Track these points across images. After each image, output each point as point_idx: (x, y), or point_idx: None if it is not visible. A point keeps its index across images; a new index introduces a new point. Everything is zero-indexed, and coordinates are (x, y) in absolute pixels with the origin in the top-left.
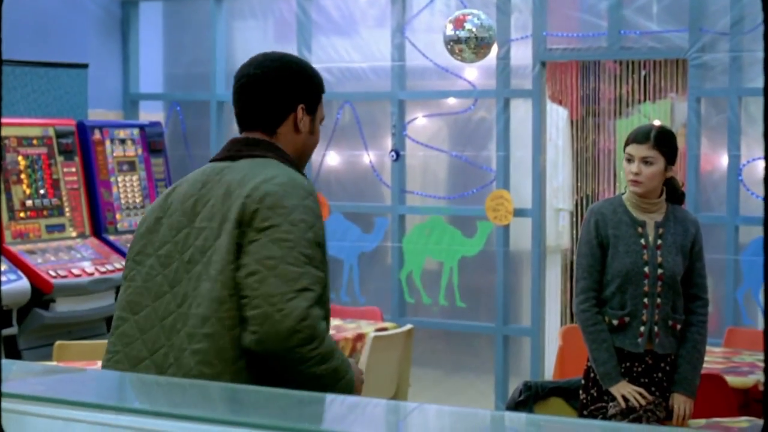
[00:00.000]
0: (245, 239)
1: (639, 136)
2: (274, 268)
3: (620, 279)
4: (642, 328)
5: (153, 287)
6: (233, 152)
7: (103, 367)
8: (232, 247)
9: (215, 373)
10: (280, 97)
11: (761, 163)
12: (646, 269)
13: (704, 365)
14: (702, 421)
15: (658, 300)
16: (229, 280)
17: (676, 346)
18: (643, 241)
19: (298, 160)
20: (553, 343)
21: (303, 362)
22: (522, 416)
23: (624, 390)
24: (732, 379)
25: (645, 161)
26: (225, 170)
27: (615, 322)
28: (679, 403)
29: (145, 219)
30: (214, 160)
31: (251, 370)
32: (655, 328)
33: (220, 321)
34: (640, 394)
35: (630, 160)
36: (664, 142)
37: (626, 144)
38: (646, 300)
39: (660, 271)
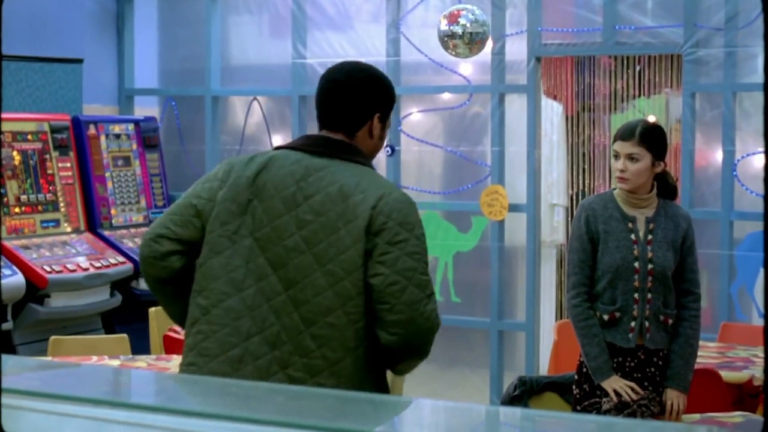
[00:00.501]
0: (376, 249)
1: (624, 133)
2: (411, 278)
3: (610, 274)
4: (633, 323)
5: (255, 269)
6: (324, 149)
7: (208, 337)
8: (361, 252)
9: (337, 358)
10: (363, 104)
11: (756, 159)
12: (637, 264)
13: (698, 360)
14: (696, 416)
15: (649, 295)
16: (358, 281)
17: (668, 341)
18: (633, 236)
19: (370, 158)
20: (547, 338)
21: (426, 353)
22: (517, 411)
23: (615, 385)
24: (726, 374)
25: (630, 158)
26: (329, 168)
27: (606, 317)
28: (672, 398)
29: (231, 196)
30: (300, 149)
31: (367, 357)
32: (646, 323)
33: (346, 315)
34: (632, 388)
35: (616, 156)
36: (649, 138)
37: (613, 141)
38: (636, 295)
39: (650, 266)
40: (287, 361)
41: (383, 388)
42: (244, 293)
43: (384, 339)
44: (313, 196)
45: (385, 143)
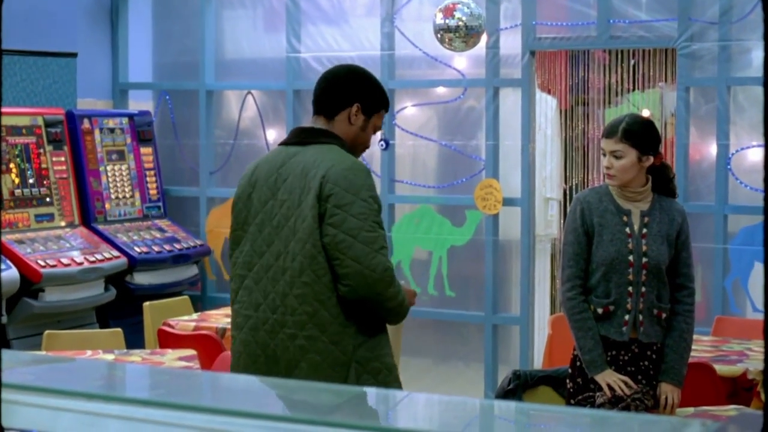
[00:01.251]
0: (327, 213)
1: (608, 131)
2: (356, 236)
3: (604, 267)
4: (626, 317)
5: (257, 248)
6: (301, 138)
7: (237, 314)
8: (315, 217)
9: (314, 310)
10: (340, 91)
11: (750, 152)
12: (631, 258)
13: (693, 354)
14: (690, 410)
15: (643, 289)
16: (317, 242)
17: (661, 335)
18: (627, 229)
19: (351, 145)
20: (542, 332)
21: (385, 301)
22: (511, 405)
23: (609, 379)
24: (720, 368)
25: (614, 155)
26: (298, 153)
27: (600, 310)
28: (666, 392)
29: (240, 196)
30: (285, 143)
31: (342, 306)
32: (640, 317)
33: (314, 272)
34: (625, 383)
35: (604, 154)
36: (632, 134)
37: (601, 138)
38: (630, 288)
39: (644, 260)
40: (283, 321)
41: (369, 332)
42: (252, 271)
43: (341, 291)
44: (286, 179)
45: (375, 138)
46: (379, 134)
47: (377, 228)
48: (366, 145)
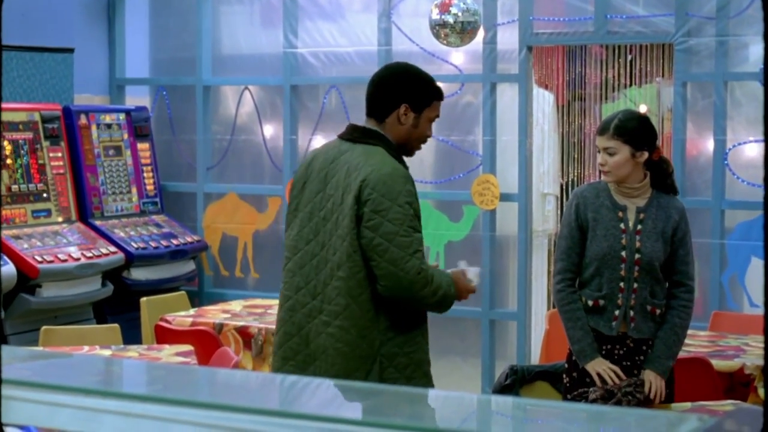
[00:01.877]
0: (364, 216)
1: (601, 128)
2: (392, 240)
3: (597, 262)
4: (617, 312)
5: (304, 235)
6: (354, 136)
7: (282, 292)
8: (353, 218)
9: (346, 303)
10: (388, 94)
11: (747, 148)
12: (623, 253)
13: (690, 349)
14: (687, 405)
15: (635, 285)
16: (354, 241)
17: (655, 330)
18: (622, 225)
19: (404, 146)
20: (539, 327)
21: (422, 300)
22: (508, 400)
23: (599, 367)
24: (717, 363)
25: (608, 152)
26: (347, 151)
27: (590, 303)
28: (649, 379)
29: (296, 182)
30: (340, 137)
31: (373, 302)
32: (631, 313)
33: (350, 268)
34: (615, 372)
35: (599, 151)
36: (624, 131)
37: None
38: (621, 284)
39: (637, 256)
40: (321, 308)
41: (400, 329)
42: (296, 256)
43: (378, 289)
44: (334, 176)
45: (430, 133)
46: None
47: (412, 233)
48: (422, 140)
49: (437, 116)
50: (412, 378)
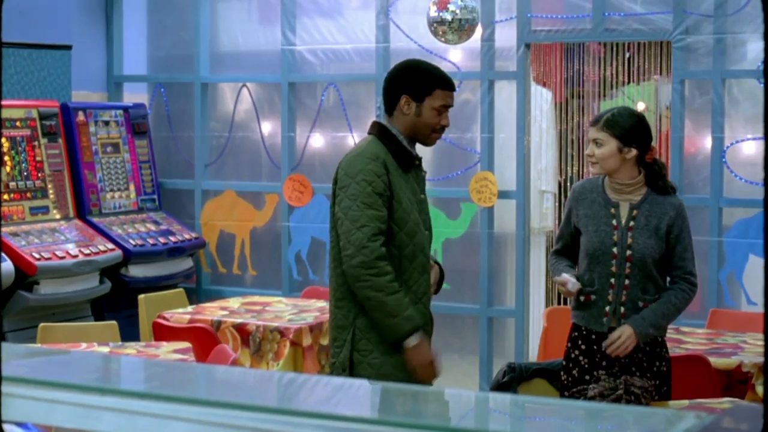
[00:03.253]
0: (335, 194)
1: (593, 119)
2: (346, 214)
3: (589, 258)
4: (607, 308)
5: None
6: (368, 131)
7: None
8: (332, 197)
9: (330, 276)
10: (389, 89)
11: (745, 145)
12: (615, 250)
13: (687, 347)
14: (685, 402)
15: (626, 281)
16: (331, 218)
17: None
18: (614, 221)
19: (415, 136)
20: (537, 325)
21: (358, 280)
22: (506, 397)
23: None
24: (715, 360)
25: (596, 143)
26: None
27: (582, 298)
28: (620, 332)
29: None
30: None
31: (343, 278)
32: (622, 309)
33: (331, 243)
34: (563, 283)
35: (590, 141)
36: (614, 124)
37: None
38: (612, 280)
39: (629, 252)
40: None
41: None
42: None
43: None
44: None
45: (438, 121)
46: None
47: (364, 208)
48: (432, 128)
49: (446, 105)
50: (388, 353)
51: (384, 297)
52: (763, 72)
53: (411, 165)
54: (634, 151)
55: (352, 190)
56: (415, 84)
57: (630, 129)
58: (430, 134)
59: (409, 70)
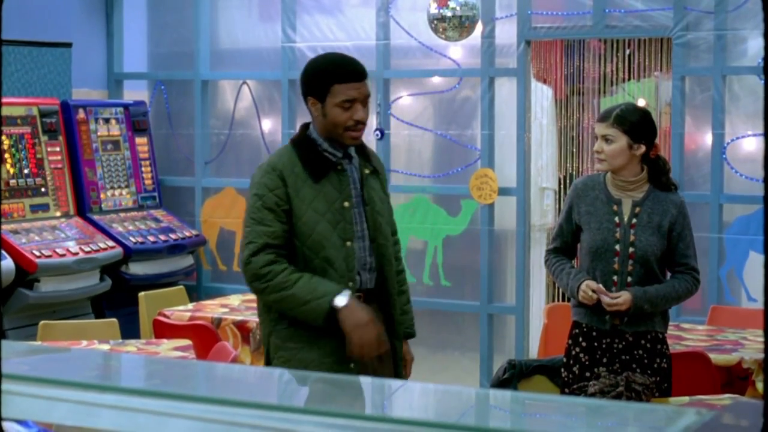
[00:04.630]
0: None
1: (602, 115)
2: (244, 226)
3: (591, 256)
4: None
5: None
6: None
7: None
8: None
9: None
10: (301, 94)
11: (745, 142)
12: (617, 247)
13: (688, 343)
14: (685, 399)
15: (629, 278)
16: None
17: (652, 323)
18: (617, 218)
19: (330, 136)
20: (537, 321)
21: (257, 293)
22: (506, 394)
23: (584, 286)
24: (715, 357)
25: (605, 139)
26: None
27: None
28: (622, 294)
29: None
30: None
31: None
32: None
33: None
34: (595, 291)
35: (596, 138)
36: (624, 120)
37: (595, 123)
38: (615, 277)
39: (631, 249)
40: None
41: (281, 322)
42: None
43: None
44: None
45: (347, 117)
46: (374, 124)
47: (252, 224)
48: (342, 126)
49: (349, 99)
50: (305, 350)
51: (289, 291)
52: (764, 69)
53: (327, 171)
54: (642, 148)
55: (248, 204)
56: (313, 84)
57: (640, 125)
58: (343, 133)
59: (306, 70)
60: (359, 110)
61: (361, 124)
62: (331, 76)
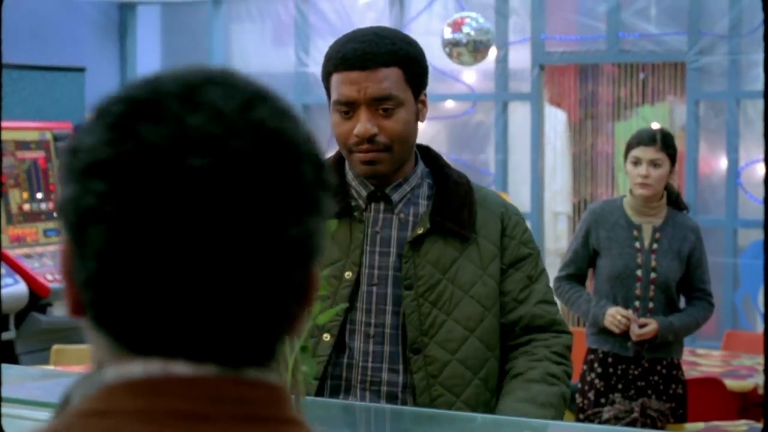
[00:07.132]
0: None
1: (645, 139)
2: None
3: (612, 282)
4: None
5: None
6: None
7: None
8: None
9: None
10: None
11: (760, 166)
12: (639, 272)
13: (703, 369)
14: (701, 425)
15: (651, 304)
16: None
17: (670, 350)
18: (638, 244)
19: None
20: None
21: None
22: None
23: (614, 312)
24: (731, 383)
25: (654, 164)
26: None
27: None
28: (650, 322)
29: None
30: None
31: None
32: None
33: None
34: (626, 317)
35: (637, 163)
36: (669, 144)
37: (630, 147)
38: (637, 303)
39: (653, 275)
40: None
41: None
42: None
43: None
44: None
45: (348, 127)
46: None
47: None
48: (341, 144)
49: (346, 101)
50: None
51: None
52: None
53: (345, 213)
54: (674, 171)
55: None
56: (322, 77)
57: (676, 149)
58: (349, 156)
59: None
60: (363, 119)
61: (363, 141)
62: (328, 61)
